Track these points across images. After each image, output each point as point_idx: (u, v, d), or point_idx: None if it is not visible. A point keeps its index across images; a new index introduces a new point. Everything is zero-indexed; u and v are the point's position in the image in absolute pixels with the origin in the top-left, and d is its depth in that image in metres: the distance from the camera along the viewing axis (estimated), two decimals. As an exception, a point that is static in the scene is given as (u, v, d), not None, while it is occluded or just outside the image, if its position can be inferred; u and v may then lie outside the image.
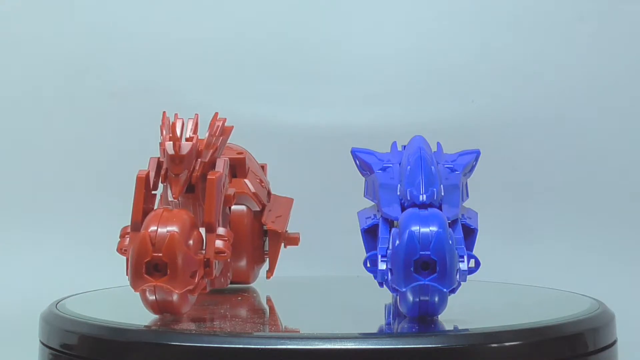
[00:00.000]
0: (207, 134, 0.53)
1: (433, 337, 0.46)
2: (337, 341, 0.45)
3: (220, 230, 0.51)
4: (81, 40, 0.89)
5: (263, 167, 0.67)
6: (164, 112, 0.53)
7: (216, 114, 0.54)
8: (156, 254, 0.48)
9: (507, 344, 0.46)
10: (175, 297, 0.49)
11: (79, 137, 0.88)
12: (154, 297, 0.49)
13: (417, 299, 0.48)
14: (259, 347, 0.44)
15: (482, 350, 0.46)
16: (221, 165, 0.53)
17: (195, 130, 0.53)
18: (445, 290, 0.47)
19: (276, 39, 0.88)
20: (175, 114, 0.53)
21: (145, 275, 0.48)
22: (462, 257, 0.49)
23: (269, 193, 0.65)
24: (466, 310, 0.54)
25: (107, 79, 0.88)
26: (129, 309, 0.54)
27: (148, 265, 0.48)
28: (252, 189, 0.61)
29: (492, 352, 0.46)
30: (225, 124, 0.54)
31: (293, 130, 0.87)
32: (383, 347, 0.44)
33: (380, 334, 0.50)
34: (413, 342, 0.45)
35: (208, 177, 0.52)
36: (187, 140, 0.52)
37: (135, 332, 0.48)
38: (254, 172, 0.63)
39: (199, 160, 0.52)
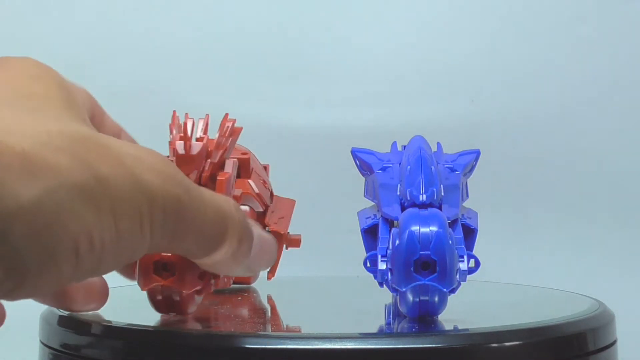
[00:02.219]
0: (217, 135, 0.53)
1: (433, 337, 0.46)
2: (337, 341, 0.45)
3: None
4: (81, 40, 0.89)
5: (265, 168, 0.67)
6: (174, 112, 0.53)
7: (226, 114, 0.54)
8: (165, 254, 0.48)
9: (507, 344, 0.46)
10: (182, 297, 0.49)
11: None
12: (161, 297, 0.49)
13: (417, 299, 0.48)
14: (259, 347, 0.44)
15: (482, 350, 0.46)
16: (230, 166, 0.53)
17: (205, 131, 0.52)
18: (445, 290, 0.47)
19: (277, 39, 0.88)
20: (186, 114, 0.53)
21: (153, 275, 0.48)
22: (462, 257, 0.49)
23: (271, 194, 0.65)
24: (466, 310, 0.54)
25: (107, 79, 0.88)
26: (129, 309, 0.54)
27: (156, 265, 0.48)
28: (256, 190, 0.61)
29: (492, 352, 0.46)
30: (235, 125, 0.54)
31: (293, 130, 0.87)
32: (383, 347, 0.44)
33: (380, 334, 0.50)
34: (413, 342, 0.45)
35: (218, 178, 0.52)
36: (197, 140, 0.52)
37: (136, 332, 0.48)
38: (257, 172, 0.63)
39: (209, 160, 0.52)
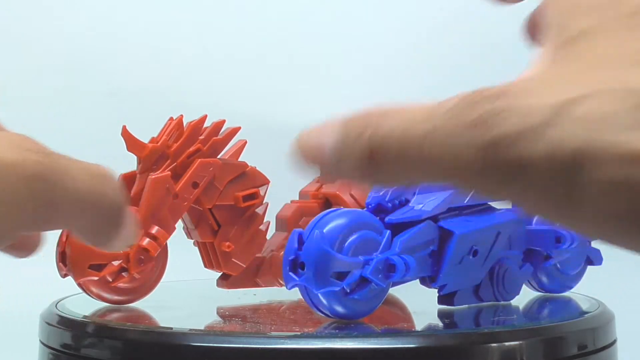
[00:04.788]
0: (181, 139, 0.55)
1: (432, 337, 0.46)
2: (337, 341, 0.45)
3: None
4: (81, 40, 0.89)
5: None
6: (171, 117, 0.54)
7: (204, 116, 0.55)
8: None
9: (507, 343, 0.46)
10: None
11: (78, 137, 0.88)
12: None
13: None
14: (257, 346, 0.44)
15: (482, 350, 0.46)
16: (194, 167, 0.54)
17: (168, 134, 0.55)
18: (316, 291, 0.47)
19: (277, 40, 0.89)
20: (179, 116, 0.53)
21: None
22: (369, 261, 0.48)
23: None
24: (465, 310, 0.54)
25: (107, 79, 0.88)
26: (128, 309, 0.54)
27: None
28: (344, 194, 0.61)
29: (492, 352, 0.46)
30: (220, 124, 0.55)
31: (293, 129, 0.87)
32: (383, 347, 0.44)
33: (380, 334, 0.50)
34: (413, 342, 0.45)
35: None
36: (151, 142, 0.55)
37: (136, 332, 0.48)
38: None
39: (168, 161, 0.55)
